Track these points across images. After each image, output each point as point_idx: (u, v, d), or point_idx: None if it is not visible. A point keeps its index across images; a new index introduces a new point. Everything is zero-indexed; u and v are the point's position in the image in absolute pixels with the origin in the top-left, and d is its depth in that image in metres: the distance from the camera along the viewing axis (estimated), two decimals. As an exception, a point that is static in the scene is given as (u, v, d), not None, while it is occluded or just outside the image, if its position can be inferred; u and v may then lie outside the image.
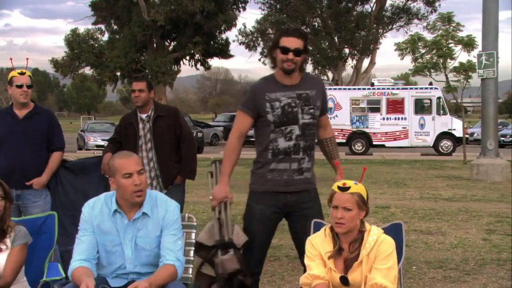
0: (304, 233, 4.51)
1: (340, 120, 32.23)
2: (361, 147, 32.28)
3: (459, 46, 24.34)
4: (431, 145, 31.84)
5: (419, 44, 25.17)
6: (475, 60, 21.21)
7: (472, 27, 33.75)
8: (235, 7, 44.08)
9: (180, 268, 4.16)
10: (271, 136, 4.80)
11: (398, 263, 4.11)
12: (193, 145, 7.05)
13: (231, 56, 45.17)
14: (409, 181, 18.07)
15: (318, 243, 3.97)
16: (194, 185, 14.87)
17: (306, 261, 3.99)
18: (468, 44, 24.03)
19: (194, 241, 4.58)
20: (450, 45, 24.45)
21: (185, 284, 4.26)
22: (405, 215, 11.77)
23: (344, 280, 3.87)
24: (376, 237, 3.90)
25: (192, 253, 4.55)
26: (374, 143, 32.40)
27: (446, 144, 31.67)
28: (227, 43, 44.55)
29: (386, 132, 32.19)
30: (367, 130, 32.37)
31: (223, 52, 44.18)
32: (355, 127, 32.51)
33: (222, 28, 43.14)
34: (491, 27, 19.02)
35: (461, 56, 26.01)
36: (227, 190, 4.90)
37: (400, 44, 25.77)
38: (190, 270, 4.53)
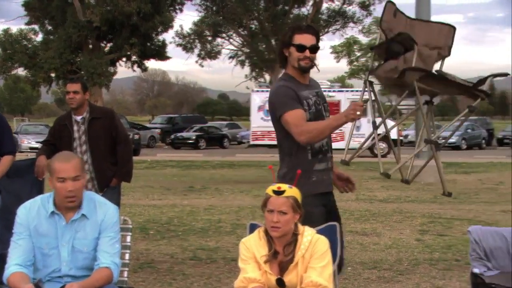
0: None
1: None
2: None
3: (394, 50, 24.74)
4: (367, 147, 32.17)
5: (355, 47, 25.56)
6: (409, 63, 21.57)
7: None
8: (172, 8, 43.85)
9: (116, 271, 4.11)
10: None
11: (333, 263, 4.13)
12: (129, 147, 6.99)
13: (168, 57, 44.91)
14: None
15: (253, 246, 3.94)
16: (130, 188, 14.74)
17: (240, 264, 3.94)
18: (402, 47, 24.45)
19: (130, 244, 4.52)
20: (385, 49, 24.84)
21: (120, 288, 4.19)
22: (341, 216, 11.85)
23: (280, 282, 3.87)
24: (310, 238, 3.92)
25: (127, 256, 4.47)
26: (312, 145, 32.58)
27: (381, 146, 32.05)
28: (164, 44, 44.26)
29: (325, 134, 32.37)
30: (303, 132, 32.53)
31: (160, 53, 43.87)
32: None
33: (159, 30, 42.84)
34: (424, 31, 19.37)
35: (395, 59, 26.36)
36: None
37: (336, 47, 26.19)
38: (126, 273, 4.45)
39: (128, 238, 4.53)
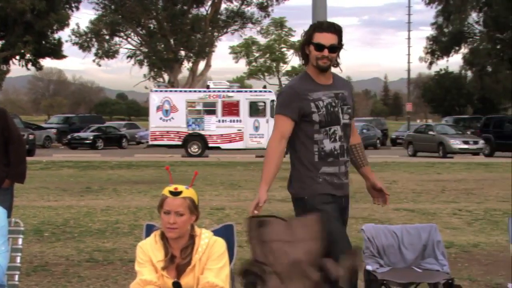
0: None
1: (176, 123, 32.32)
2: (197, 149, 32.45)
3: (291, 51, 25.15)
4: (265, 147, 32.43)
5: (253, 48, 25.77)
6: (306, 64, 21.84)
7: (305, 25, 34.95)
8: (67, 6, 42.97)
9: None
10: (316, 137, 4.45)
11: (230, 263, 4.15)
12: (22, 148, 6.79)
13: (64, 56, 43.98)
14: (244, 183, 18.34)
15: (149, 250, 3.91)
16: (23, 189, 14.32)
17: (136, 267, 3.91)
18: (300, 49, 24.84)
19: (21, 246, 4.39)
20: (282, 49, 25.20)
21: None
22: (239, 216, 11.91)
23: (176, 285, 3.85)
24: (207, 240, 3.92)
25: (19, 259, 4.34)
26: (210, 145, 32.70)
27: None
28: (59, 43, 43.32)
29: (221, 134, 32.58)
30: (203, 133, 32.62)
31: (56, 52, 42.91)
32: (191, 129, 32.65)
33: (54, 28, 41.90)
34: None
35: (293, 60, 26.92)
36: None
37: (235, 48, 26.33)
38: (17, 277, 4.32)
39: (20, 241, 4.40)
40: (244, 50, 24.42)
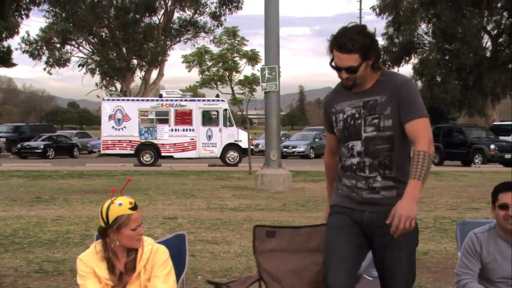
0: (385, 266, 4.07)
1: (129, 131, 32.16)
2: (149, 158, 32.30)
3: (244, 60, 25.18)
4: (218, 156, 32.59)
5: (206, 57, 25.71)
6: (259, 73, 21.94)
7: (256, 42, 35.12)
8: (17, 14, 42.40)
9: None
10: (342, 150, 4.17)
11: (182, 273, 4.18)
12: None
13: (14, 64, 43.37)
14: (197, 192, 18.31)
15: (91, 261, 3.91)
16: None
17: (79, 280, 3.90)
18: (252, 58, 24.92)
19: None
20: (235, 59, 25.22)
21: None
22: (192, 225, 11.91)
23: None
24: (150, 247, 3.94)
25: None
26: (162, 154, 32.60)
27: (232, 155, 32.56)
28: (9, 51, 42.68)
29: (174, 143, 32.51)
30: (155, 141, 32.51)
31: (5, 60, 42.27)
32: (144, 138, 32.50)
33: (4, 36, 41.24)
34: (273, 43, 19.73)
35: (246, 69, 26.94)
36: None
37: (187, 57, 26.16)
38: None
39: None
40: (197, 59, 24.33)
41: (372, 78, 3.99)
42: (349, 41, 3.82)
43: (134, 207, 3.84)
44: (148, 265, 3.90)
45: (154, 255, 3.91)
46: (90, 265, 3.90)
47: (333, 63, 3.94)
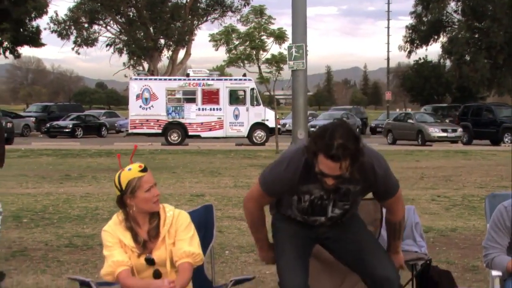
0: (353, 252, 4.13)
1: (156, 111, 32.25)
2: (177, 137, 32.38)
3: (271, 39, 25.12)
4: (245, 135, 32.58)
5: (233, 35, 25.67)
6: (286, 52, 21.85)
7: (283, 21, 34.90)
8: (45, -7, 42.53)
9: None
10: (291, 210, 4.08)
11: (210, 243, 4.25)
12: (0, 131, 6.75)
13: (42, 44, 43.55)
14: (224, 170, 18.33)
15: (116, 231, 3.98)
16: (2, 176, 14.17)
17: (105, 252, 3.97)
18: (279, 36, 24.84)
19: None
20: (262, 37, 25.16)
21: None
22: (219, 202, 11.95)
23: (149, 260, 3.94)
24: (172, 213, 4.01)
25: None
26: (190, 133, 32.65)
27: (259, 134, 32.52)
28: (38, 31, 42.87)
29: (201, 123, 32.55)
30: (182, 121, 32.55)
31: (34, 40, 42.48)
32: (171, 118, 32.59)
33: (32, 15, 41.45)
34: (300, 21, 19.49)
35: (273, 48, 26.93)
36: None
37: (215, 35, 26.16)
38: None
39: None
40: (224, 37, 24.38)
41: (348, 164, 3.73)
42: (340, 148, 3.58)
43: (144, 169, 3.91)
44: (172, 229, 3.97)
45: (176, 219, 3.99)
46: (116, 235, 3.97)
47: (318, 169, 3.69)
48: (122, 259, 3.90)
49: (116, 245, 3.95)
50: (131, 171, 3.91)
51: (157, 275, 3.95)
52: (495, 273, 4.30)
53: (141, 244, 3.95)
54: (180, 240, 3.95)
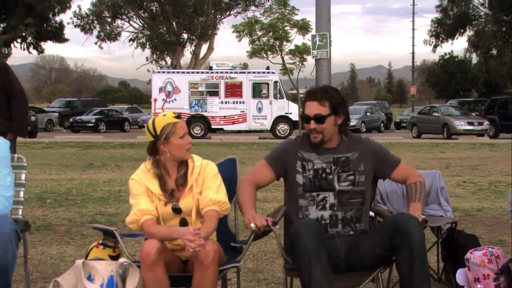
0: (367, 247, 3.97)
1: (179, 104, 32.11)
2: (200, 130, 32.26)
3: (295, 29, 24.97)
4: (269, 129, 32.41)
5: (256, 26, 25.57)
6: (309, 43, 21.71)
7: (307, 12, 34.69)
8: (69, -12, 42.62)
9: (4, 202, 4.01)
10: (300, 202, 4.07)
11: (233, 195, 4.23)
12: (24, 102, 6.67)
13: (66, 40, 43.65)
14: (247, 160, 18.20)
15: (144, 179, 3.97)
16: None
17: (131, 200, 3.95)
18: (303, 27, 24.69)
19: (24, 181, 4.43)
20: (286, 28, 25.02)
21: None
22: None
23: (176, 209, 3.95)
24: (200, 162, 4.04)
25: (22, 193, 4.38)
26: (213, 126, 32.54)
27: (283, 127, 32.30)
28: (61, 26, 42.99)
29: (224, 116, 32.43)
30: (205, 114, 32.44)
31: (57, 35, 42.58)
32: (194, 111, 32.50)
33: (56, 10, 41.57)
34: (324, 10, 19.22)
35: (297, 39, 26.80)
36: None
37: (238, 26, 26.08)
38: (20, 211, 4.34)
39: (23, 176, 4.42)
40: (247, 28, 24.31)
41: (339, 138, 4.08)
42: (321, 91, 4.00)
43: (178, 116, 3.97)
44: (199, 178, 3.98)
45: (204, 169, 4.01)
46: (143, 183, 3.95)
47: (302, 113, 4.07)
48: (148, 208, 3.89)
49: (143, 194, 3.93)
50: (166, 117, 3.93)
51: (183, 223, 3.95)
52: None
53: (169, 192, 3.95)
54: (207, 189, 3.96)
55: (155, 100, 32.72)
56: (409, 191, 4.09)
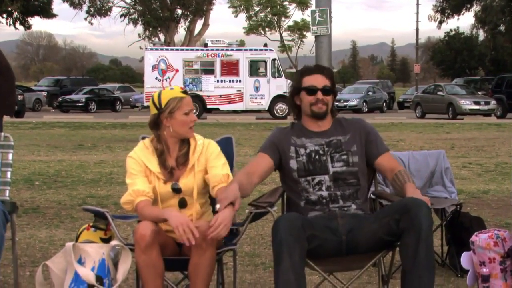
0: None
1: (173, 83, 31.25)
2: (194, 110, 31.38)
3: (293, 4, 24.18)
4: (266, 108, 31.77)
5: (253, 1, 24.75)
6: (309, 18, 21.16)
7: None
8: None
9: None
10: (300, 186, 4.07)
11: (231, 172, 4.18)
12: (11, 79, 6.19)
13: (54, 15, 42.81)
14: (244, 141, 17.87)
15: (142, 157, 3.88)
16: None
17: (128, 179, 3.87)
18: (302, 2, 23.97)
19: (11, 161, 4.44)
20: (284, 3, 24.23)
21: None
22: (239, 169, 11.11)
23: (176, 189, 3.87)
24: (202, 141, 3.98)
25: (9, 174, 4.38)
26: (208, 106, 31.82)
27: (281, 107, 31.50)
28: (49, 1, 42.00)
29: (220, 95, 31.70)
30: (200, 93, 31.58)
31: (45, 10, 41.68)
32: (188, 90, 31.54)
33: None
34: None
35: (296, 14, 26.13)
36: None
37: (234, 1, 25.21)
38: (7, 192, 4.33)
39: (10, 156, 4.42)
40: (244, 3, 23.54)
41: (330, 119, 4.17)
42: (320, 66, 4.23)
43: (185, 92, 3.90)
44: (201, 157, 3.93)
45: (207, 148, 3.95)
46: (141, 161, 3.87)
47: (305, 86, 4.06)
48: (143, 189, 3.81)
49: (140, 173, 3.86)
50: (173, 90, 3.89)
51: (182, 204, 3.90)
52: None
53: (168, 169, 3.89)
54: (214, 167, 3.93)
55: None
56: (399, 176, 4.04)
